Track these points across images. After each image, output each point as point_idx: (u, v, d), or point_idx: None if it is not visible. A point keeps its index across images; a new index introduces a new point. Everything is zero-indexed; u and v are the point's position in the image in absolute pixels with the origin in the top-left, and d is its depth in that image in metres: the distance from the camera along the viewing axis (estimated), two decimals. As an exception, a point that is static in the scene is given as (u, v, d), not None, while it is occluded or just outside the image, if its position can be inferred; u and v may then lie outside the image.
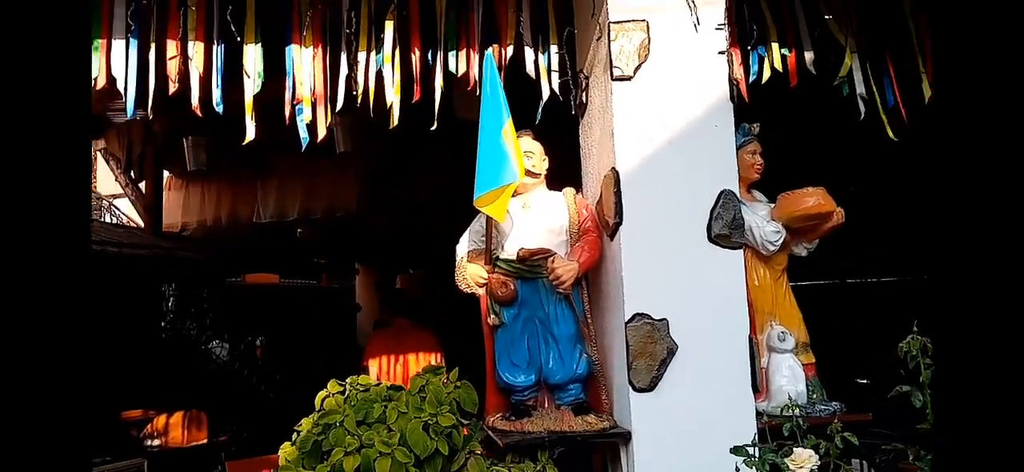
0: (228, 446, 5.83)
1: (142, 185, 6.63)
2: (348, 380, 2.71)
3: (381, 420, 2.55)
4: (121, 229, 6.77)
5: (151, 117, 2.74)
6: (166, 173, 7.20)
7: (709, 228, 2.73)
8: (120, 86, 2.76)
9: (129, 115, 2.76)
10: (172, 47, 2.78)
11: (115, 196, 10.48)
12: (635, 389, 2.62)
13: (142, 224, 7.31)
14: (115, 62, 2.76)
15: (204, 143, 5.55)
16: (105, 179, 10.91)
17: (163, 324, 6.54)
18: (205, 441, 5.69)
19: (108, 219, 9.95)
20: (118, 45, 2.77)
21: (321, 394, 2.67)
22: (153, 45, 2.81)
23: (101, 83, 2.76)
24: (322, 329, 10.77)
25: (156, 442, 5.53)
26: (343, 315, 11.34)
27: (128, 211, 10.01)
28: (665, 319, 2.65)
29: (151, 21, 2.82)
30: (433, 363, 4.47)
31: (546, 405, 2.77)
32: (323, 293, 11.81)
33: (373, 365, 4.77)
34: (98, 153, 7.02)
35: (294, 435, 2.71)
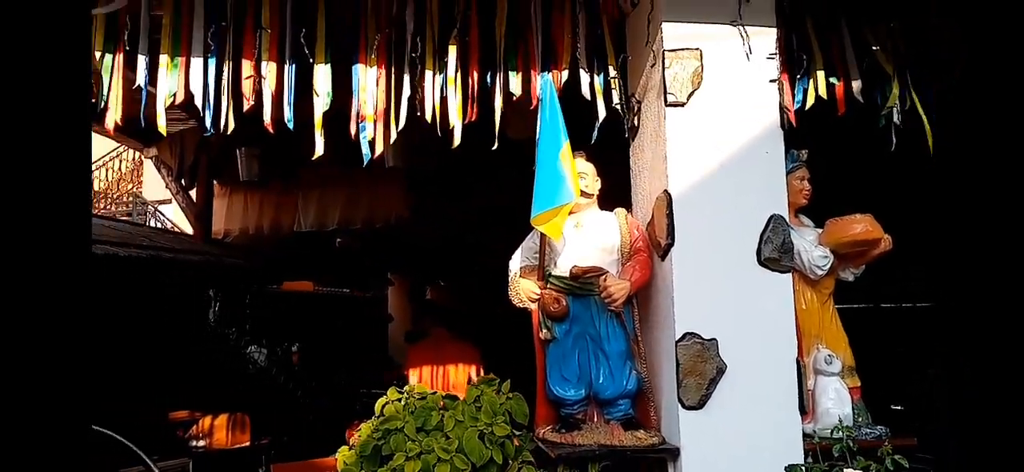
0: (269, 449, 5.98)
1: (192, 193, 6.85)
2: (405, 388, 2.82)
3: (438, 427, 2.66)
4: (172, 235, 6.99)
5: (229, 132, 2.88)
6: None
7: (759, 251, 2.81)
8: (198, 103, 2.91)
9: (207, 132, 2.91)
10: (247, 67, 2.93)
11: (160, 202, 10.82)
12: (684, 407, 2.70)
13: (190, 230, 7.56)
14: (193, 80, 2.92)
15: (257, 154, 5.74)
16: (151, 185, 11.26)
17: (209, 328, 6.73)
18: (248, 443, 5.84)
19: (153, 224, 10.25)
20: (196, 63, 2.93)
21: (380, 400, 2.78)
22: (228, 64, 2.96)
23: (180, 99, 2.92)
24: (354, 338, 10.94)
25: (201, 443, 5.70)
26: (375, 324, 11.51)
27: (172, 216, 10.31)
28: (715, 339, 2.73)
29: (226, 42, 2.97)
30: (472, 374, 4.59)
31: (595, 419, 2.85)
32: (356, 302, 12.00)
33: (413, 375, 4.86)
34: (149, 160, 7.27)
35: (353, 440, 2.83)
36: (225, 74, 2.96)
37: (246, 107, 2.96)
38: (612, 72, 3.13)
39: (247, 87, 2.93)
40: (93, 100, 2.94)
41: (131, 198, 11.54)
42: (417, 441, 2.56)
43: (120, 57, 2.94)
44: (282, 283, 9.30)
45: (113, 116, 2.90)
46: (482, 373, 4.59)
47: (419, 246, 7.89)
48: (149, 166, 10.89)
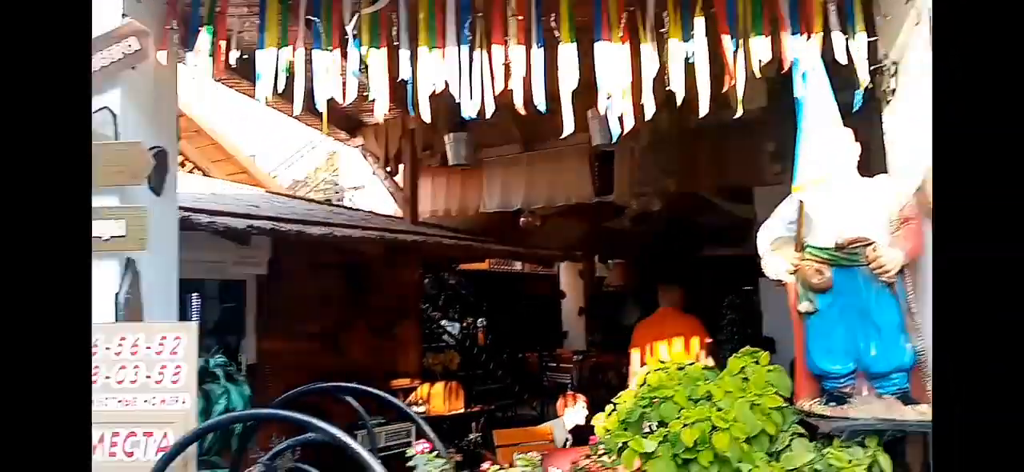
0: (480, 416, 6.34)
1: (397, 178, 7.33)
2: (668, 359, 2.88)
3: (706, 398, 2.68)
4: (386, 217, 7.54)
5: (488, 117, 3.06)
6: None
7: (1054, 216, 2.55)
8: (454, 90, 3.10)
9: (466, 116, 3.09)
10: (499, 53, 3.07)
11: (354, 188, 11.70)
12: (972, 382, 2.52)
13: (388, 213, 8.11)
14: (449, 69, 3.11)
15: (465, 139, 6.02)
16: (346, 172, 12.21)
17: (423, 305, 7.23)
18: (462, 410, 6.22)
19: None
20: (451, 53, 3.12)
21: (643, 371, 2.86)
22: (480, 52, 3.12)
23: (439, 89, 3.12)
24: (532, 313, 11.32)
25: (421, 408, 6.14)
26: (549, 300, 11.84)
27: (366, 202, 11.12)
28: (1005, 310, 2.53)
29: (477, 31, 3.13)
30: (699, 348, 4.56)
31: (865, 393, 2.75)
32: (530, 279, 12.39)
33: (635, 353, 4.86)
34: (357, 149, 7.86)
35: (610, 408, 2.94)
36: (476, 61, 3.12)
37: (497, 91, 3.12)
38: (865, 35, 2.96)
39: (499, 73, 3.08)
40: (363, 94, 3.23)
41: (326, 185, 12.56)
42: (690, 410, 2.60)
43: (384, 51, 3.19)
44: (466, 263, 9.79)
45: (381, 107, 3.17)
46: (707, 347, 4.55)
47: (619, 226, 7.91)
48: (343, 154, 11.84)
